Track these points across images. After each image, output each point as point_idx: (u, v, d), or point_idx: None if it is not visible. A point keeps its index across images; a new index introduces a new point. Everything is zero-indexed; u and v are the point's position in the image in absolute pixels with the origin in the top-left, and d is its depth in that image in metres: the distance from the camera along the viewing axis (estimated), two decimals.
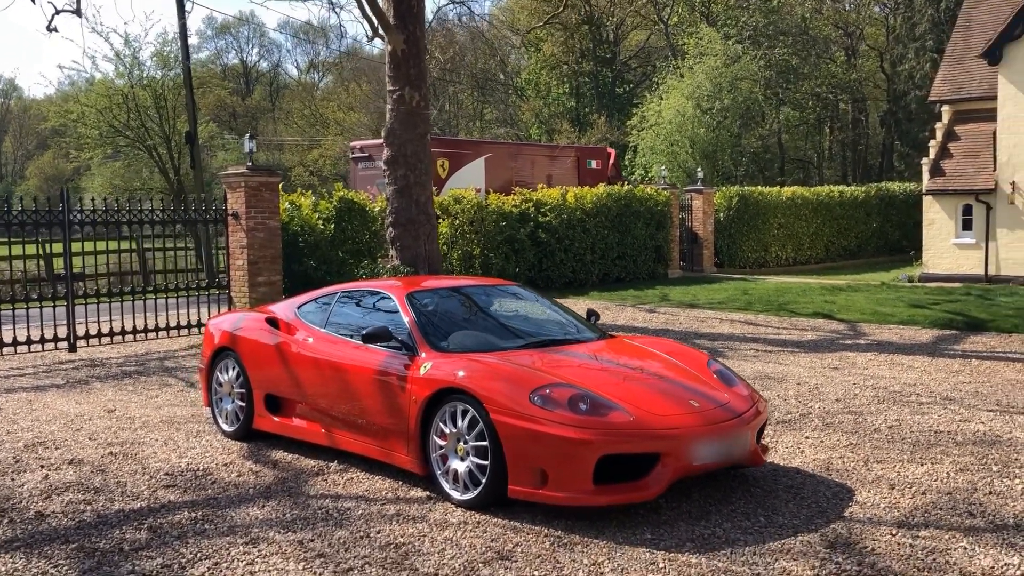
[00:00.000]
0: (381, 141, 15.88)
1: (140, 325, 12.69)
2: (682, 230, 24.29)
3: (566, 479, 5.06)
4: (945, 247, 21.70)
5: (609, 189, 22.12)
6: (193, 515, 5.48)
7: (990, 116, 21.33)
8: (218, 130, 44.91)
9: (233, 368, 7.40)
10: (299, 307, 7.28)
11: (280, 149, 57.05)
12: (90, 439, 7.42)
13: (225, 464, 6.64)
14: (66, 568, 4.69)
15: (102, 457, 6.87)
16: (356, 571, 4.58)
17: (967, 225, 21.42)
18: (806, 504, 5.55)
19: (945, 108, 23.30)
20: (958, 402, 8.39)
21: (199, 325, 13.16)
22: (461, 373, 5.53)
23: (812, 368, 10.27)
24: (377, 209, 16.92)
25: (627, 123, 37.79)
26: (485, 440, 5.35)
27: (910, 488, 5.83)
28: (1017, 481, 5.94)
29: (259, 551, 4.85)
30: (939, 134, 22.83)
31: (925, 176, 22.15)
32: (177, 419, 8.19)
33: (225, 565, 4.69)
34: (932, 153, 22.39)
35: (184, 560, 4.76)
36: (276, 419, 7.04)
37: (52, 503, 5.75)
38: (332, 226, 14.74)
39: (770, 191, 26.97)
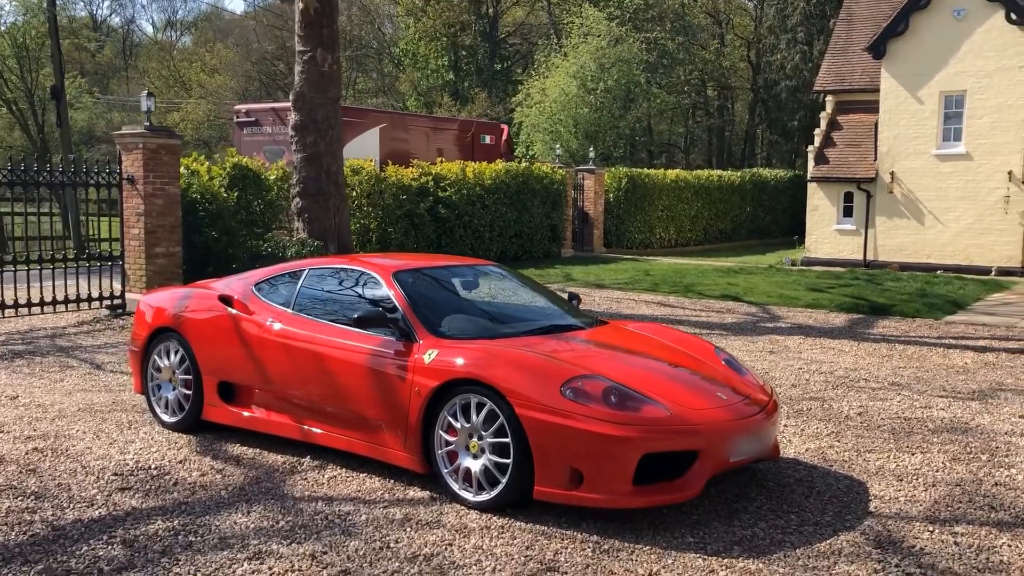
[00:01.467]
0: (270, 105, 14.96)
1: (21, 299, 11.42)
2: (574, 210, 24.22)
3: (604, 480, 4.66)
4: (827, 232, 22.47)
5: (507, 165, 21.78)
6: (169, 524, 4.77)
7: (872, 108, 22.16)
8: (86, 85, 41.65)
9: (176, 352, 6.61)
10: (256, 285, 6.55)
11: (135, 111, 53.70)
12: (1, 431, 6.48)
13: (179, 461, 5.90)
14: None
15: (26, 454, 5.99)
16: None
17: (848, 212, 22.24)
18: (826, 499, 5.36)
19: (829, 98, 24.09)
20: (907, 388, 8.49)
21: (89, 300, 11.99)
22: (477, 362, 5.02)
23: (750, 352, 10.24)
24: (272, 178, 15.91)
25: (510, 100, 37.47)
26: (506, 436, 4.87)
27: (917, 480, 5.74)
28: (1014, 471, 5.96)
29: (269, 568, 4.23)
30: (823, 123, 23.58)
31: (810, 163, 22.84)
32: (97, 407, 7.30)
33: None
34: (817, 141, 23.10)
35: None
36: (232, 409, 6.32)
37: None
38: (235, 194, 13.72)
39: (656, 173, 27.28)
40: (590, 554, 4.44)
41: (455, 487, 5.12)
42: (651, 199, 26.63)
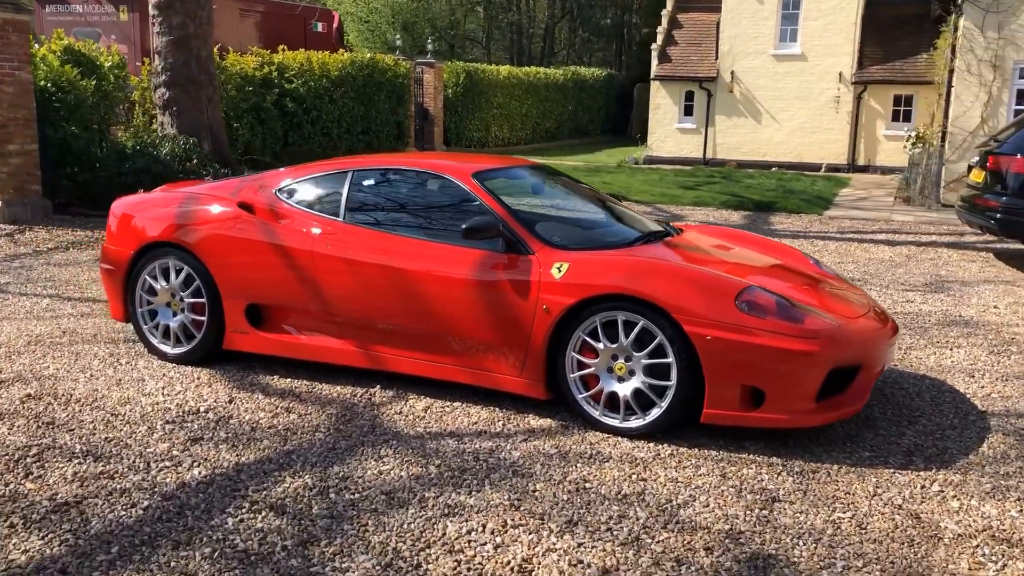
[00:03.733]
0: None
1: None
2: (415, 106, 23.23)
3: (788, 398, 4.33)
4: (669, 131, 22.93)
5: (352, 57, 20.41)
6: (300, 481, 3.97)
7: (712, 6, 22.56)
8: None
9: (179, 270, 5.54)
10: (279, 189, 5.56)
11: None
12: None
13: (228, 401, 4.97)
14: None
15: (23, 404, 4.85)
16: (641, 538, 3.55)
17: (689, 111, 22.75)
18: (929, 401, 5.31)
19: None
20: (868, 283, 8.73)
21: None
22: (629, 276, 4.48)
23: None
24: (108, 65, 13.95)
25: None
26: (665, 356, 4.42)
27: (986, 375, 5.85)
28: None
29: (482, 525, 3.59)
30: (664, 21, 23.77)
31: (654, 62, 23.04)
32: (51, 339, 6.08)
33: (474, 551, 3.41)
34: (659, 40, 23.29)
35: (411, 551, 3.39)
36: (270, 336, 5.40)
37: (53, 480, 3.89)
38: (93, 83, 11.83)
39: (491, 69, 26.64)
40: (799, 479, 4.13)
41: (594, 413, 4.63)
42: (487, 96, 26.03)
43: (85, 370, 5.45)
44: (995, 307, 7.86)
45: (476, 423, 4.73)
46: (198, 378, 5.35)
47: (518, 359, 4.76)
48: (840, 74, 21.17)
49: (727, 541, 3.52)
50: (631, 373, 4.53)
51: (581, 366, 4.63)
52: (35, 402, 4.88)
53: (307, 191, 5.50)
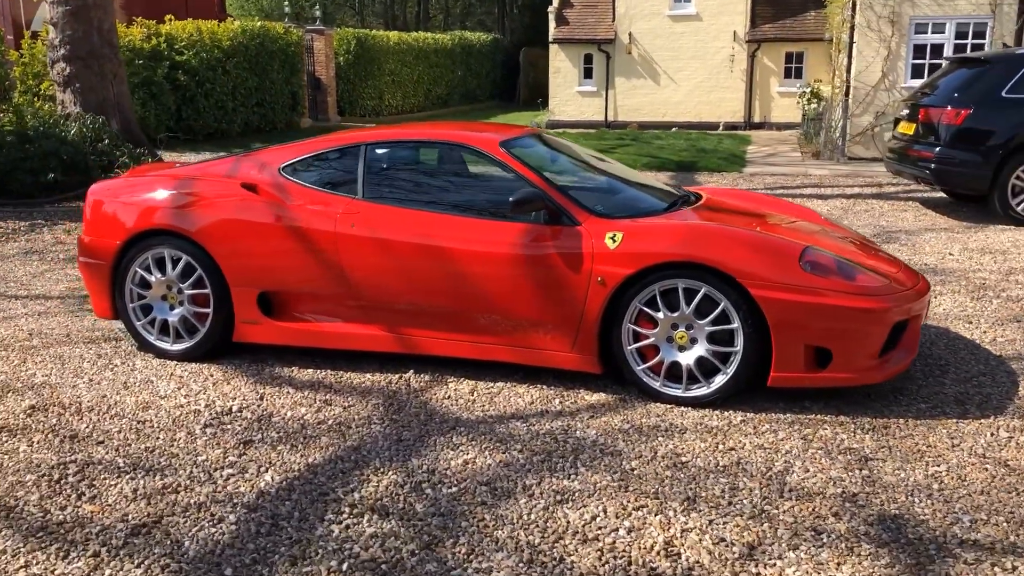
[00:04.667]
0: None
1: None
2: (306, 75, 22.45)
3: (854, 357, 4.33)
4: (570, 94, 22.94)
5: (244, 25, 19.53)
6: (392, 478, 3.71)
7: None
8: None
9: (176, 260, 5.11)
10: (284, 168, 5.18)
11: None
12: None
13: (259, 397, 4.63)
14: None
15: (31, 416, 4.39)
16: (767, 510, 3.48)
17: (588, 74, 22.80)
18: (957, 351, 5.47)
19: None
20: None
21: None
22: (690, 243, 4.37)
23: None
24: None
25: None
26: (730, 322, 4.35)
27: (986, 321, 6.05)
28: None
29: (604, 507, 3.45)
30: None
31: (552, 25, 22.93)
32: (33, 342, 5.55)
33: (612, 538, 3.26)
34: (555, 3, 23.17)
35: (546, 544, 3.21)
36: (285, 325, 5.05)
37: (112, 499, 3.51)
38: None
39: (380, 35, 25.99)
40: (876, 436, 4.14)
41: (654, 385, 4.53)
42: (379, 64, 25.44)
43: (79, 374, 4.98)
44: (950, 254, 8.17)
45: (532, 402, 4.56)
46: (211, 375, 4.97)
47: (569, 334, 4.61)
48: (734, 33, 21.61)
49: (848, 505, 3.49)
50: (693, 341, 4.45)
51: (637, 337, 4.52)
52: (43, 414, 4.42)
53: (317, 169, 5.15)
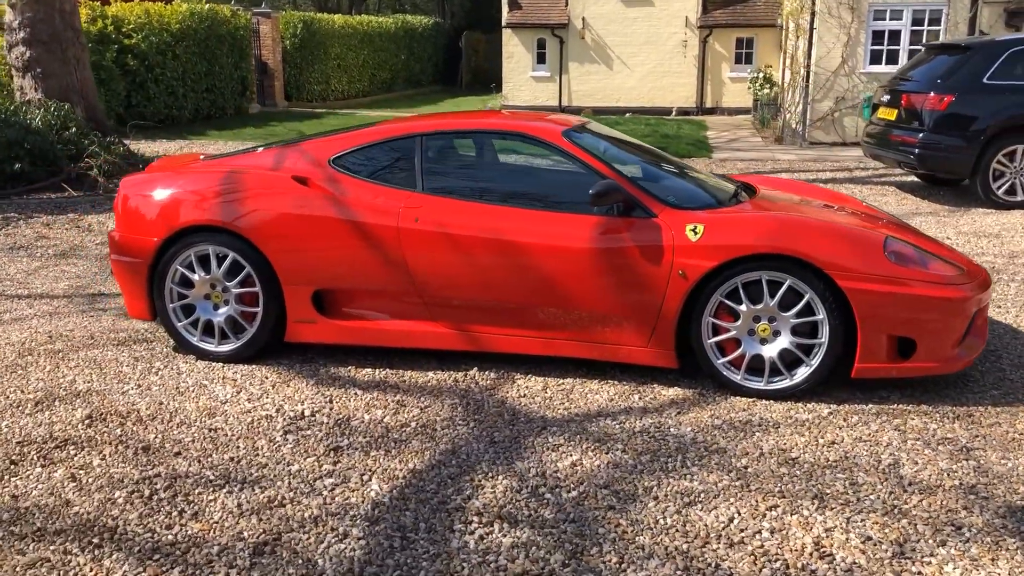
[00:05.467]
0: None
1: None
2: (254, 60, 21.87)
3: (938, 346, 4.34)
4: (524, 80, 22.80)
5: (192, 8, 18.87)
6: (505, 483, 3.58)
7: None
8: None
9: (222, 257, 4.87)
10: (334, 159, 4.97)
11: None
12: (18, 402, 4.40)
13: (327, 401, 4.43)
14: None
15: (91, 427, 4.12)
16: (898, 506, 3.46)
17: (542, 59, 22.68)
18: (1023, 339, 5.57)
19: None
20: None
21: None
22: (777, 234, 4.31)
23: None
24: None
25: None
26: (814, 314, 4.32)
27: (1013, 305, 6.17)
28: None
29: (738, 509, 3.38)
30: None
31: (505, 9, 22.73)
32: (58, 345, 5.25)
33: (759, 541, 3.19)
34: None
35: (696, 549, 3.13)
36: (342, 324, 4.86)
37: (218, 516, 3.30)
38: None
39: (327, 18, 25.44)
40: (965, 425, 4.16)
41: (735, 378, 4.48)
42: (325, 48, 24.91)
43: (123, 380, 4.71)
44: (948, 238, 8.32)
45: (611, 399, 4.47)
46: (266, 378, 4.75)
47: (646, 328, 4.52)
48: (686, 18, 21.72)
49: (975, 498, 3.48)
50: (775, 334, 4.41)
51: (717, 331, 4.46)
52: (103, 424, 4.16)
53: (370, 160, 4.95)
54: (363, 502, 3.44)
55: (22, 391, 4.55)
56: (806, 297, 4.31)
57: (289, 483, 3.60)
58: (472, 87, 34.22)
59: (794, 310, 4.33)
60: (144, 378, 4.74)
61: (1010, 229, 8.77)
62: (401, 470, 3.70)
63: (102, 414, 4.26)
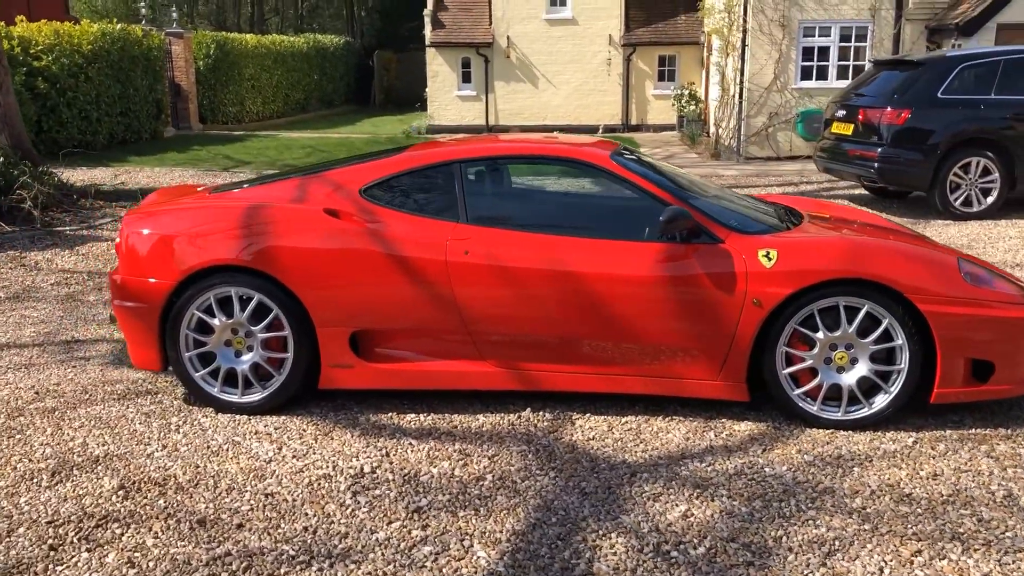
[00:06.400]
0: None
1: None
2: (168, 82, 20.98)
3: (1016, 367, 4.24)
4: (449, 99, 22.51)
5: (103, 28, 17.96)
6: (626, 541, 3.28)
7: None
8: None
9: (245, 299, 4.43)
10: (365, 189, 4.58)
11: None
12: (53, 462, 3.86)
13: (384, 455, 4.03)
14: None
15: (135, 502, 3.64)
16: None
17: (467, 78, 22.45)
18: None
19: None
20: None
21: None
22: (855, 259, 4.13)
23: None
24: None
25: None
26: (893, 339, 4.17)
27: None
28: None
29: (881, 555, 3.16)
30: None
31: (428, 28, 22.42)
32: (47, 403, 4.70)
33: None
34: (430, 5, 22.68)
35: None
36: (382, 367, 4.47)
37: None
38: None
39: (239, 38, 24.65)
40: None
41: (811, 409, 4.28)
42: (239, 68, 24.11)
43: (143, 440, 4.22)
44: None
45: (687, 437, 4.21)
46: (303, 430, 4.33)
47: (716, 360, 4.29)
48: (610, 37, 21.85)
49: None
50: (852, 361, 4.23)
51: (794, 360, 4.26)
52: (140, 495, 3.68)
53: (405, 190, 4.59)
54: (476, 573, 3.09)
55: (29, 459, 4.01)
56: (885, 322, 4.15)
57: (383, 555, 3.21)
58: (385, 106, 33.75)
59: (872, 336, 4.17)
60: (165, 437, 4.25)
61: (977, 240, 8.93)
62: (501, 532, 3.36)
63: (134, 482, 3.78)
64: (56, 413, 4.56)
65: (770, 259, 4.20)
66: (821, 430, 4.26)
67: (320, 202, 4.53)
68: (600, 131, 21.84)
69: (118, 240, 4.63)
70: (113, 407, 4.63)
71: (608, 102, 22.11)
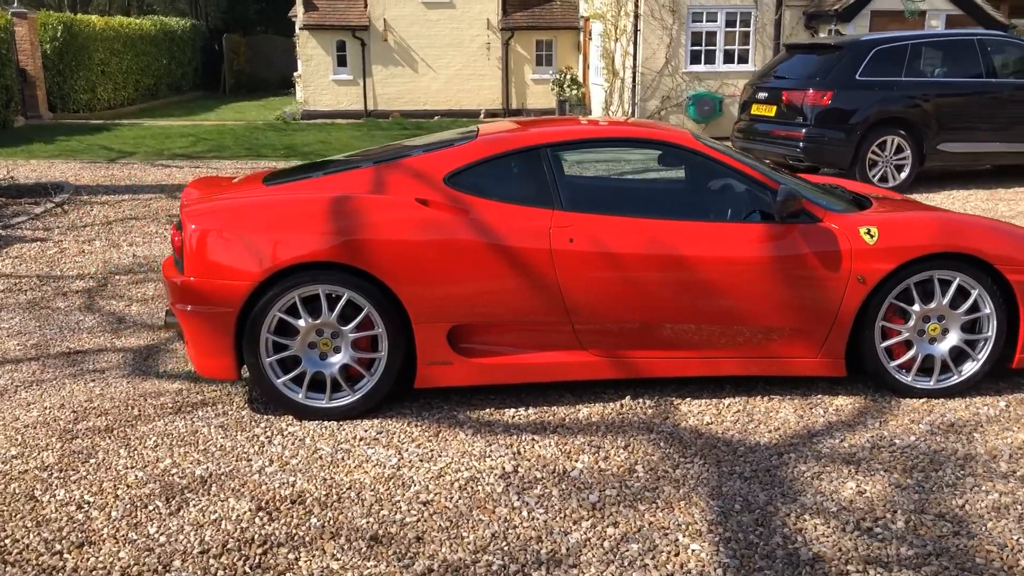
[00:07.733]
0: None
1: None
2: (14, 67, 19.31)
3: None
4: (324, 83, 21.80)
5: None
6: (837, 542, 3.27)
7: None
8: None
9: (334, 297, 4.12)
10: (448, 177, 4.34)
11: None
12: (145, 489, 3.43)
13: (511, 455, 3.86)
14: None
15: (283, 523, 3.33)
16: None
17: (343, 61, 21.81)
18: None
19: None
20: None
21: None
22: (952, 234, 4.27)
23: None
24: None
25: None
26: (980, 309, 4.36)
27: None
28: None
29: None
30: None
31: (300, 10, 21.58)
32: (104, 421, 4.23)
33: None
34: None
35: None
36: (481, 362, 4.26)
37: None
38: None
39: (87, 20, 22.97)
40: None
41: (905, 380, 4.41)
42: (88, 52, 22.50)
43: (241, 456, 3.85)
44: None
45: (800, 415, 4.25)
46: (406, 433, 4.07)
47: (818, 338, 4.35)
48: (488, 21, 21.76)
49: None
50: (944, 332, 4.39)
51: (892, 334, 4.37)
52: (285, 515, 3.35)
53: (491, 177, 4.37)
54: (701, 566, 3.00)
55: (127, 485, 3.59)
56: (975, 293, 4.32)
57: (595, 555, 3.07)
58: (237, 92, 32.36)
59: (964, 306, 4.34)
60: (264, 450, 3.90)
61: None
62: (697, 524, 3.27)
63: (267, 503, 3.44)
64: (115, 432, 4.09)
65: (872, 236, 4.28)
66: (914, 400, 4.40)
67: (408, 192, 4.26)
68: (482, 115, 21.75)
69: (177, 239, 4.19)
70: (176, 421, 4.21)
71: (488, 87, 22.04)
